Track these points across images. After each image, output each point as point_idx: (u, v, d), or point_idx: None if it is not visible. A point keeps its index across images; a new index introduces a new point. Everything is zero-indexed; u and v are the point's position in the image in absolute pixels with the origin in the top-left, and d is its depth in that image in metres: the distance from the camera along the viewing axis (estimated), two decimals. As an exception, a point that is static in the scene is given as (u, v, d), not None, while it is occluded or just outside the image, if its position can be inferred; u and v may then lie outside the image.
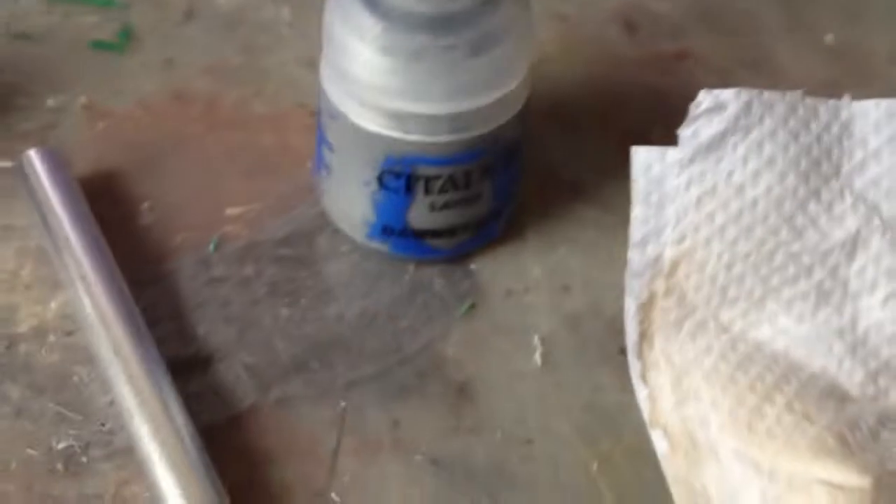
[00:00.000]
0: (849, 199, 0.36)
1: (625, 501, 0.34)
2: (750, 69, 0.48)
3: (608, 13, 0.50)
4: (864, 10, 0.51)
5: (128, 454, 0.33)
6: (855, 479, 0.31)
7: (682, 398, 0.34)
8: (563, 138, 0.44)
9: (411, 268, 0.39)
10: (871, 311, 0.36)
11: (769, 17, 0.50)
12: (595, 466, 0.35)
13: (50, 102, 0.43)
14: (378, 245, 0.39)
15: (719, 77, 0.48)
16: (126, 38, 0.46)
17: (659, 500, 0.34)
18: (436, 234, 0.38)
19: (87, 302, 0.36)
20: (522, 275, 0.40)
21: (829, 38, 0.49)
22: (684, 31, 0.49)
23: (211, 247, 0.39)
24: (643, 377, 0.35)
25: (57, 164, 0.39)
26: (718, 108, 0.35)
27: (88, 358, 0.35)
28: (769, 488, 0.32)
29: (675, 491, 0.33)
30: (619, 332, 0.37)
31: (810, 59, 0.49)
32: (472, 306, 0.39)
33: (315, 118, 0.39)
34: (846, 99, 0.37)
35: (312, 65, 0.39)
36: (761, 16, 0.50)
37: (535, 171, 0.42)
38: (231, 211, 0.40)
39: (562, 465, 0.35)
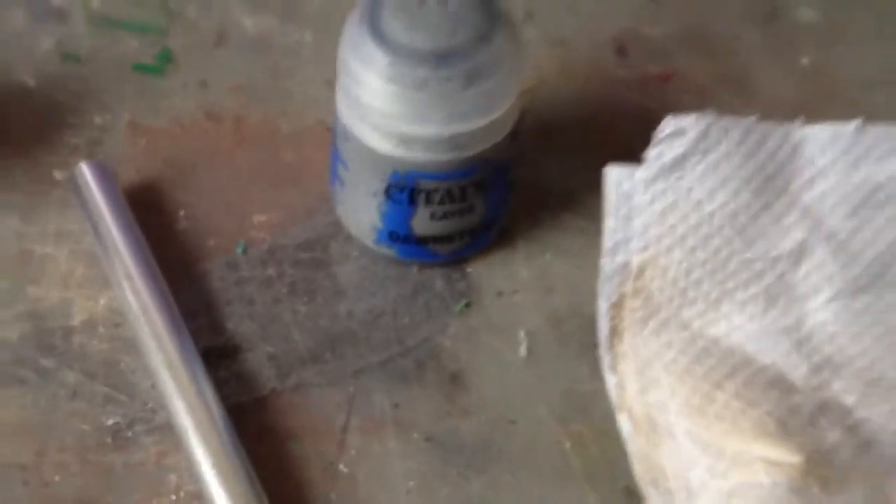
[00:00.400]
0: (796, 213, 0.40)
1: (593, 475, 0.39)
2: (729, 89, 0.52)
3: (602, 38, 0.54)
4: (839, 36, 0.55)
5: (167, 430, 0.39)
6: (789, 456, 0.36)
7: (645, 386, 0.39)
8: (556, 153, 0.49)
9: (414, 270, 0.44)
10: (816, 312, 0.41)
11: (750, 40, 0.54)
12: (568, 445, 0.40)
13: (97, 120, 0.48)
14: (385, 250, 0.44)
15: (701, 96, 0.52)
16: (164, 62, 0.51)
17: (622, 474, 0.39)
18: (436, 240, 0.44)
19: (131, 298, 0.41)
20: (512, 277, 0.45)
21: (804, 60, 0.54)
22: (670, 53, 0.54)
23: (239, 250, 0.44)
24: (613, 368, 0.40)
25: (105, 175, 0.45)
26: (679, 132, 0.39)
27: (133, 347, 0.41)
28: (716, 464, 0.37)
29: (636, 466, 0.38)
30: (595, 329, 0.42)
31: (786, 81, 0.53)
32: (468, 304, 0.44)
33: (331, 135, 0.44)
34: (797, 123, 0.41)
35: (331, 85, 0.43)
36: (742, 39, 0.54)
37: (528, 183, 0.47)
38: (257, 218, 0.45)
39: (539, 442, 0.40)
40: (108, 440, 0.39)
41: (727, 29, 0.55)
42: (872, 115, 0.51)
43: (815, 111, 0.50)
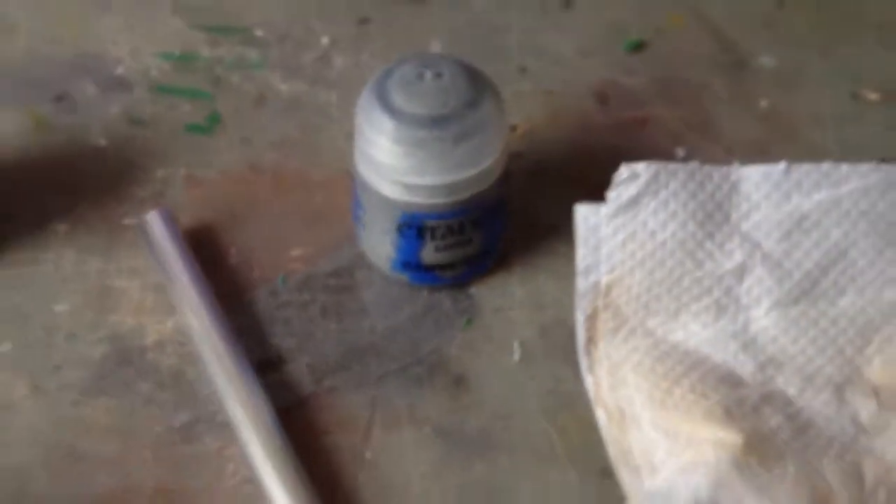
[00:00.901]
0: (737, 239, 0.49)
1: (575, 458, 0.47)
2: (696, 132, 0.60)
3: (585, 88, 0.62)
4: (795, 81, 0.63)
5: (225, 427, 0.47)
6: (733, 437, 0.44)
7: (616, 384, 0.47)
8: (546, 190, 0.57)
9: (425, 292, 0.53)
10: (759, 319, 0.49)
11: (716, 87, 0.63)
12: (554, 434, 0.48)
13: (159, 174, 0.57)
14: (400, 276, 0.53)
15: (673, 138, 0.60)
16: (213, 122, 0.60)
17: (599, 457, 0.47)
18: (441, 267, 0.52)
19: (194, 321, 0.50)
20: (509, 296, 0.53)
21: (763, 103, 0.62)
22: (646, 101, 0.62)
23: (279, 280, 0.53)
24: (590, 369, 0.48)
25: (168, 220, 0.53)
26: (634, 176, 0.48)
27: (196, 361, 0.50)
28: (672, 446, 0.45)
29: (610, 449, 0.47)
30: (576, 338, 0.50)
31: (746, 123, 0.61)
32: (470, 320, 0.52)
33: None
34: (735, 165, 0.49)
35: (353, 139, 0.52)
36: (709, 86, 0.63)
37: (521, 215, 0.55)
38: (293, 252, 0.54)
39: (530, 432, 0.48)
40: (178, 437, 0.48)
41: (696, 77, 0.63)
42: (822, 149, 0.59)
43: (773, 147, 0.58)
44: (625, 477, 0.46)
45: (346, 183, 0.56)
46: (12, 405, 0.48)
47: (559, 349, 0.51)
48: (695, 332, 0.49)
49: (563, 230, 0.54)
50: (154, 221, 0.53)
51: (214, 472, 0.46)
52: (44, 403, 0.48)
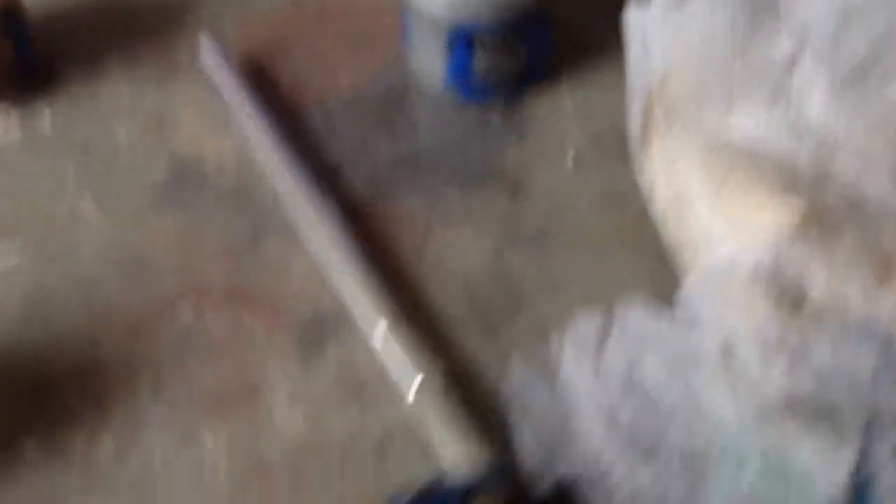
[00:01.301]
0: (786, 30, 0.49)
1: (631, 249, 0.48)
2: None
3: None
4: None
5: (290, 234, 0.48)
6: (791, 212, 0.45)
7: (671, 177, 0.48)
8: (594, 8, 0.57)
9: (476, 110, 0.54)
10: (812, 107, 0.49)
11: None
12: (611, 229, 0.49)
13: (207, 13, 0.59)
14: (450, 94, 0.53)
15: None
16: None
17: (655, 247, 0.47)
18: (491, 82, 0.53)
19: (253, 140, 0.51)
20: (559, 109, 0.54)
21: None
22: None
23: (332, 100, 0.54)
24: (644, 166, 0.49)
25: (222, 51, 0.55)
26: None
27: (257, 178, 0.51)
28: (731, 228, 0.45)
29: (666, 238, 0.47)
30: (629, 141, 0.51)
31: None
32: (522, 133, 0.53)
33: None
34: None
35: None
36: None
37: (569, 30, 0.56)
38: (343, 77, 0.55)
39: (587, 228, 0.49)
40: (244, 244, 0.49)
41: None
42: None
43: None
44: (684, 260, 0.46)
45: (392, 8, 0.57)
46: (79, 221, 0.50)
47: (612, 154, 0.52)
48: (748, 123, 0.49)
49: (611, 43, 0.54)
50: (207, 49, 0.54)
51: (281, 274, 0.48)
52: (111, 219, 0.50)
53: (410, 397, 0.43)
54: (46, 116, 0.54)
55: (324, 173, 0.51)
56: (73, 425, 0.44)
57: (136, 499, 0.42)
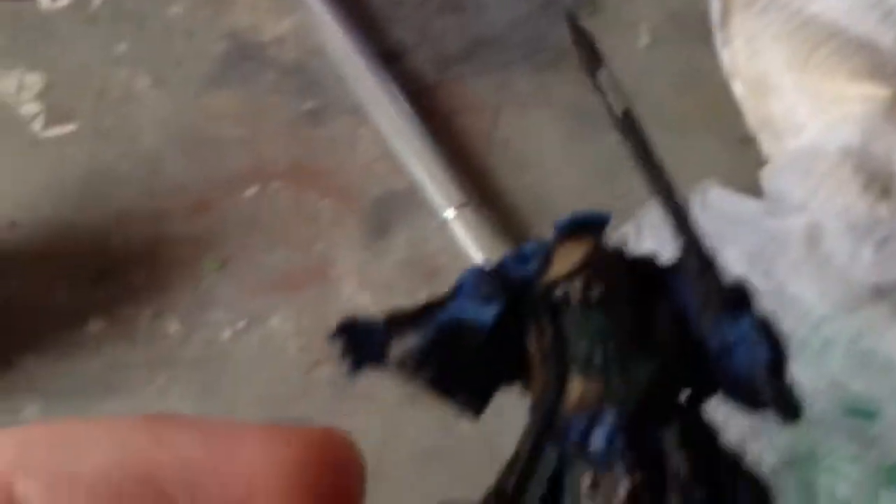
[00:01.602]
0: None
1: (711, 129, 0.46)
2: None
3: None
4: None
5: (354, 111, 0.47)
6: (880, 90, 0.43)
7: (754, 54, 0.46)
8: None
9: (544, -14, 0.52)
10: (899, -13, 0.47)
11: None
12: (690, 108, 0.47)
13: None
14: (520, -32, 0.51)
15: None
16: None
17: (736, 126, 0.46)
18: (563, -45, 0.50)
19: (316, 15, 0.49)
20: (632, -14, 0.51)
21: None
22: None
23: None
24: (726, 43, 0.47)
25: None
26: None
27: (318, 54, 0.49)
28: (817, 106, 0.44)
29: (749, 118, 0.45)
30: (708, 19, 0.48)
31: None
32: (593, 10, 0.51)
33: None
34: None
35: None
36: None
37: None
38: (407, -47, 0.53)
39: (666, 108, 0.47)
40: (307, 121, 0.47)
41: None
42: None
43: None
44: (766, 141, 0.45)
45: None
46: (137, 97, 0.48)
47: (690, 32, 0.49)
48: (832, 2, 0.47)
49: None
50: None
51: (346, 152, 0.46)
52: (168, 95, 0.48)
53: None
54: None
55: (389, 53, 0.49)
56: (137, 304, 0.43)
57: (202, 376, 0.41)
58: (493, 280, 0.17)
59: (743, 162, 0.45)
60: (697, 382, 0.17)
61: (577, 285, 0.17)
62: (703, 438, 0.17)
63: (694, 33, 0.49)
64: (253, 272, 0.43)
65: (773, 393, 0.17)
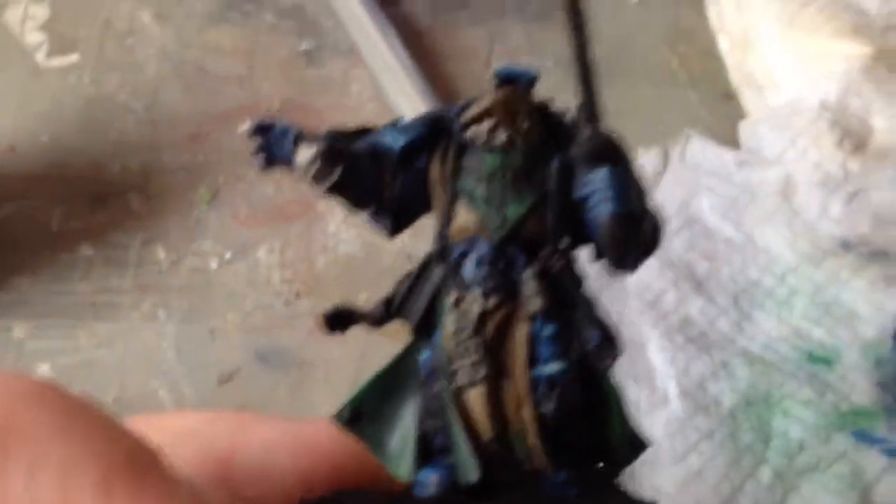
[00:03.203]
0: None
1: (696, 83, 0.47)
2: None
3: None
4: None
5: (349, 53, 0.48)
6: (861, 48, 0.44)
7: (741, 9, 0.47)
8: None
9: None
10: (890, -51, 0.47)
11: None
12: (676, 62, 0.48)
13: None
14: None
15: None
16: None
17: (720, 81, 0.47)
18: None
19: (313, -44, 0.50)
20: (627, -58, 0.52)
21: None
22: None
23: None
24: (713, 3, 0.48)
25: None
26: None
27: (315, -5, 0.50)
28: (799, 61, 0.45)
29: (733, 74, 0.46)
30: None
31: None
32: (589, -35, 0.51)
33: None
34: None
35: None
36: None
37: None
38: None
39: (652, 62, 0.48)
40: (303, 60, 0.48)
41: None
42: None
43: None
44: (748, 97, 0.45)
45: None
46: (139, 30, 0.49)
47: (680, -11, 0.50)
48: (823, -38, 0.47)
49: None
50: None
51: (339, 91, 0.47)
52: (170, 29, 0.49)
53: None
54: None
55: (385, -3, 0.50)
56: (129, 231, 0.44)
57: (187, 303, 0.43)
58: (418, 118, 0.19)
59: (725, 116, 0.46)
60: (571, 231, 0.19)
61: (482, 128, 0.19)
62: (567, 282, 0.19)
63: (685, -10, 0.50)
64: (242, 204, 0.45)
65: (609, 246, 0.18)
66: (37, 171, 0.46)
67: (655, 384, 0.38)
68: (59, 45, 0.49)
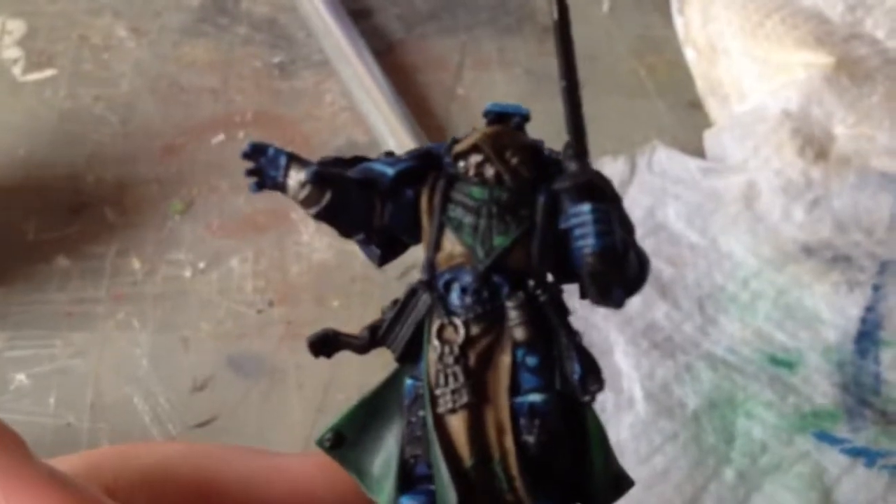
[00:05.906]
0: None
1: (663, 92, 0.48)
2: None
3: None
4: None
5: (322, 65, 0.49)
6: (823, 58, 0.44)
7: (707, 21, 0.48)
8: None
9: (514, -48, 0.53)
10: (852, -40, 0.48)
11: None
12: (643, 72, 0.49)
13: None
14: (489, -66, 0.53)
15: None
16: None
17: (687, 92, 0.47)
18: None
19: (286, -30, 0.51)
20: (596, -45, 0.53)
21: None
22: None
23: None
24: (680, 11, 0.49)
25: None
26: None
27: (289, 9, 0.51)
28: (763, 71, 0.45)
29: (699, 83, 0.47)
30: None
31: None
32: (559, -23, 0.52)
33: None
34: None
35: None
36: None
37: None
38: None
39: (620, 71, 0.49)
40: (276, 72, 0.49)
41: None
42: None
43: None
44: (713, 106, 0.46)
45: None
46: (115, 46, 0.50)
47: (648, 1, 0.51)
48: (787, -28, 0.48)
49: None
50: None
51: (312, 103, 0.48)
52: (145, 43, 0.50)
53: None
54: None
55: (358, 10, 0.51)
56: (104, 242, 0.45)
57: (161, 312, 0.43)
58: (409, 152, 0.20)
59: (691, 125, 0.47)
60: (556, 263, 0.19)
61: (472, 161, 0.19)
62: (551, 314, 0.19)
63: (651, 3, 0.51)
64: (216, 215, 0.45)
65: (591, 280, 0.19)
66: (13, 183, 0.46)
67: (621, 387, 0.39)
68: (36, 60, 0.49)
